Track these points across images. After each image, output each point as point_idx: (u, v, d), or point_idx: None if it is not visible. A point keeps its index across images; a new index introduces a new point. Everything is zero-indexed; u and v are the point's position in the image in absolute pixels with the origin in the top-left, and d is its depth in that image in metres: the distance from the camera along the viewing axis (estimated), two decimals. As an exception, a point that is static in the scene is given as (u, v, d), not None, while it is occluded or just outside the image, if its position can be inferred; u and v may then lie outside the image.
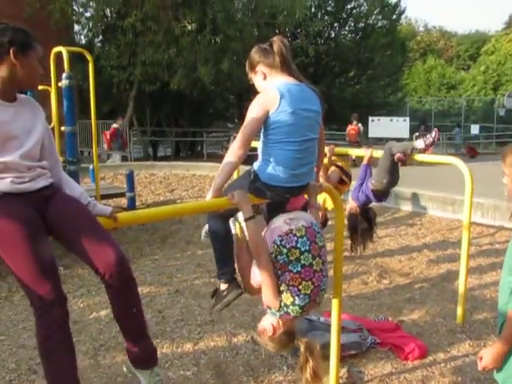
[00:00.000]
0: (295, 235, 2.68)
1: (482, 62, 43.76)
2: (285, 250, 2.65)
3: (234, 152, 2.86)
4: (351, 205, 5.51)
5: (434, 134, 4.61)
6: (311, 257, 2.67)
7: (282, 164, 2.83)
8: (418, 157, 4.50)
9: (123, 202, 9.19)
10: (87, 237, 2.24)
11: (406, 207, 9.30)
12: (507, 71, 40.33)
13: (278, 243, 2.66)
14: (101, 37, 19.15)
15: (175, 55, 16.33)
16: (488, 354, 2.33)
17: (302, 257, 2.65)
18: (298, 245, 2.65)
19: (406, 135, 20.84)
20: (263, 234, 2.81)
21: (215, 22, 16.26)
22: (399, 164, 4.58)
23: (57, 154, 2.59)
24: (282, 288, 2.66)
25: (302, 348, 2.80)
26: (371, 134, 17.54)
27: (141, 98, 19.28)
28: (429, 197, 9.06)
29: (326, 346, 3.68)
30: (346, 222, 5.31)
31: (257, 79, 3.04)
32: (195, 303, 5.09)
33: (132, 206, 8.81)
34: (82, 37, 19.77)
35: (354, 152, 5.54)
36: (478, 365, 2.39)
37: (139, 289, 2.47)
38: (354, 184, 5.64)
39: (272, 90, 2.82)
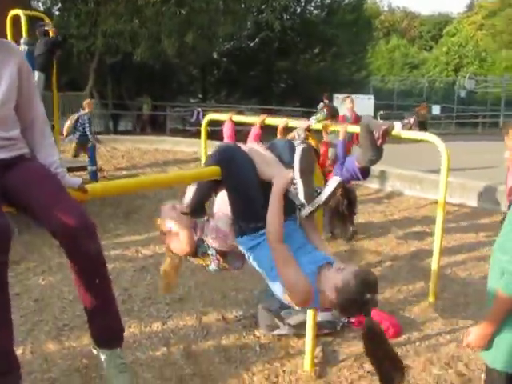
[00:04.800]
0: None
1: (444, 43, 44.18)
2: None
3: None
4: None
5: (411, 120, 4.62)
6: None
7: None
8: (398, 133, 4.41)
9: (84, 176, 8.88)
10: (48, 198, 2.03)
11: (373, 185, 9.27)
12: (468, 53, 40.83)
13: None
14: (60, 5, 18.40)
15: (138, 26, 15.84)
16: (475, 333, 2.27)
17: None
18: None
19: (371, 113, 20.88)
20: None
21: (180, -7, 15.85)
22: (379, 141, 4.48)
23: (38, 109, 2.27)
24: None
25: None
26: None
27: (102, 69, 18.70)
28: (397, 175, 9.05)
29: (302, 325, 3.59)
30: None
31: None
32: (162, 281, 4.91)
33: (94, 180, 8.53)
34: (40, 4, 18.96)
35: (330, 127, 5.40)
36: (464, 340, 2.34)
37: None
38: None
39: None
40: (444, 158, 4.31)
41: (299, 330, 3.72)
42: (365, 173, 5.08)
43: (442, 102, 32.09)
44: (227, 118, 5.74)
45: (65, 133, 9.69)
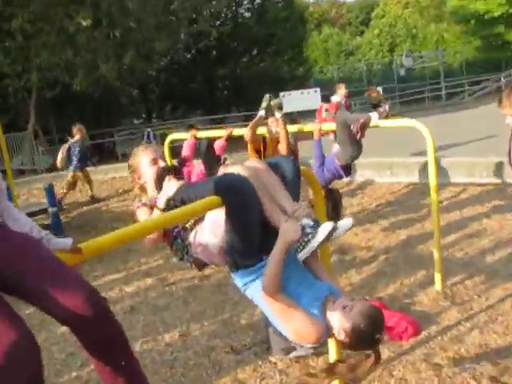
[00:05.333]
0: None
1: (375, 25, 44.93)
2: None
3: None
4: None
5: (387, 107, 4.53)
6: None
7: None
8: (376, 123, 4.24)
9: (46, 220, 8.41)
10: (39, 275, 1.71)
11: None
12: (399, 32, 41.65)
13: None
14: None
15: (73, 55, 15.29)
16: None
17: None
18: None
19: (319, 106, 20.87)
20: None
21: (111, 15, 15.37)
22: (358, 135, 4.31)
23: None
24: None
25: None
26: (285, 109, 17.26)
27: (42, 104, 18.02)
28: (365, 163, 8.90)
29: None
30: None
31: None
32: (157, 319, 4.59)
33: (57, 222, 8.08)
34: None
35: (304, 127, 5.20)
36: None
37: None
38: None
39: None
40: (429, 142, 4.16)
41: (317, 347, 3.48)
42: (347, 170, 4.93)
43: (382, 84, 32.44)
44: (190, 135, 5.63)
45: (59, 165, 9.63)
